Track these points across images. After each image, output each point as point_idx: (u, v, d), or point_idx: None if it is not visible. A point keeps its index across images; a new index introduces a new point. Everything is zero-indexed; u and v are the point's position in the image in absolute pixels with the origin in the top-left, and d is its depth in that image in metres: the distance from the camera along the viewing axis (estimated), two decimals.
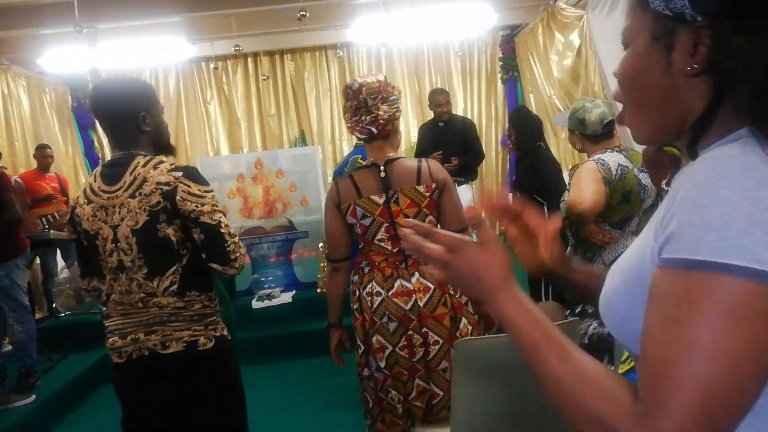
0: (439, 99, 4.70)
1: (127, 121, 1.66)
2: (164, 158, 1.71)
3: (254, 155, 5.19)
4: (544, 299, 2.93)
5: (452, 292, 1.93)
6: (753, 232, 0.50)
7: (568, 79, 5.35)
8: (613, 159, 2.23)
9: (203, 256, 1.63)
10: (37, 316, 4.91)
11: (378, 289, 1.91)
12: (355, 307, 1.98)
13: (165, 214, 1.58)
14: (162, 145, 1.76)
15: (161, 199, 1.57)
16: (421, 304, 1.89)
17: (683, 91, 0.62)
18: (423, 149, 4.58)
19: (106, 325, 1.70)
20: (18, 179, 4.47)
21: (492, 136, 7.02)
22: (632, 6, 0.67)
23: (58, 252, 4.93)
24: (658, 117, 0.67)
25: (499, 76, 6.96)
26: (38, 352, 3.97)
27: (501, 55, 6.88)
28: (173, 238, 1.59)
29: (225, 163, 5.37)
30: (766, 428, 0.55)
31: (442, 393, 1.90)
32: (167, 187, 1.58)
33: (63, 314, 4.69)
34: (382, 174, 1.91)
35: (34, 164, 5.15)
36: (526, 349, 0.65)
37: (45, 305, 5.05)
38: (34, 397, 3.44)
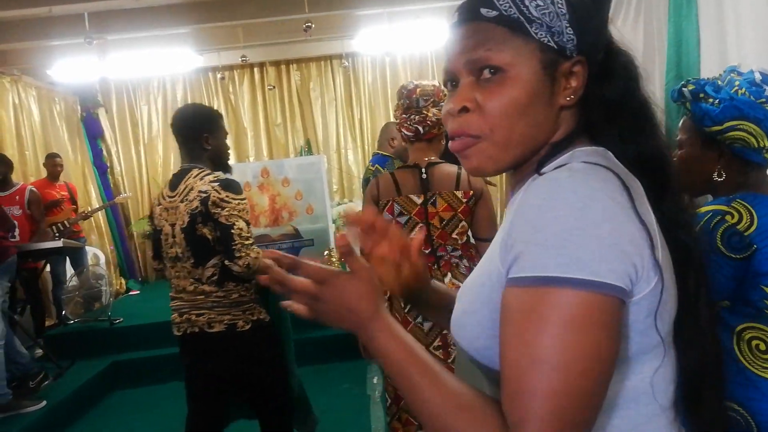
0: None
1: (193, 140, 2.05)
2: (215, 172, 2.02)
3: (260, 164, 5.25)
4: None
5: None
6: (587, 246, 0.54)
7: None
8: None
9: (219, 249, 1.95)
10: (47, 323, 4.98)
11: None
12: (386, 305, 2.02)
13: (201, 217, 1.93)
14: (220, 163, 2.12)
15: (199, 204, 1.93)
16: None
17: (554, 119, 0.67)
18: None
19: (171, 304, 2.08)
20: (33, 188, 4.54)
21: None
22: (505, 31, 0.64)
23: (68, 260, 5.00)
24: (524, 144, 0.66)
25: None
26: (47, 359, 4.04)
27: None
28: (209, 236, 1.95)
29: None
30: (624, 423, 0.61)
31: None
32: (204, 195, 1.93)
33: (72, 321, 4.75)
34: (424, 175, 1.96)
35: (44, 173, 5.24)
36: (398, 376, 0.63)
37: (54, 312, 5.11)
38: (44, 402, 3.48)
